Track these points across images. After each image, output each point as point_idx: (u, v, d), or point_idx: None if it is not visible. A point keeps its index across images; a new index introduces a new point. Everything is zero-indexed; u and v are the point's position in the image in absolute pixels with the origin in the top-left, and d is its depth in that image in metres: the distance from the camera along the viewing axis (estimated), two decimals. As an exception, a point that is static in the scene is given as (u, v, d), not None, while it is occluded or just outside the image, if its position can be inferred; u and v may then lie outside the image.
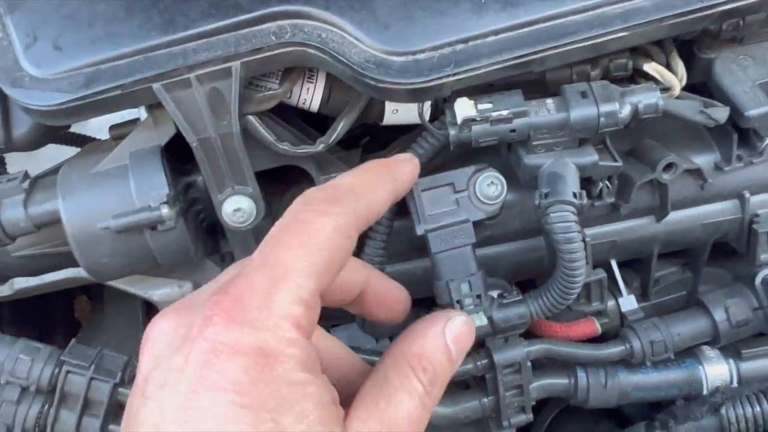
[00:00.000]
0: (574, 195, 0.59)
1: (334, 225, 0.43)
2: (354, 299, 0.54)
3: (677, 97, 0.63)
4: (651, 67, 0.63)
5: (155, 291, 0.89)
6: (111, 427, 0.64)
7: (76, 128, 0.88)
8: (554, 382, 0.71)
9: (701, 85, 0.67)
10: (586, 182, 0.64)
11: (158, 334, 0.42)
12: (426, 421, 0.45)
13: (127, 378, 0.64)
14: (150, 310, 0.97)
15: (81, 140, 0.84)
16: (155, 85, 0.56)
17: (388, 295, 0.57)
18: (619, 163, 0.62)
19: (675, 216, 0.70)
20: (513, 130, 0.59)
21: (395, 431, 0.42)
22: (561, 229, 0.58)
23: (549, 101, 0.60)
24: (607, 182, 0.64)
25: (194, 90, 0.57)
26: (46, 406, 0.63)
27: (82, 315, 1.29)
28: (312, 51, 0.56)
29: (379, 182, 0.50)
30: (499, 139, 0.60)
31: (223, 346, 0.37)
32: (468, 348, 0.51)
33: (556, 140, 0.60)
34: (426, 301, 0.73)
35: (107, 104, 0.57)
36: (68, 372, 0.62)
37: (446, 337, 0.48)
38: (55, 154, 0.85)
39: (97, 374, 0.62)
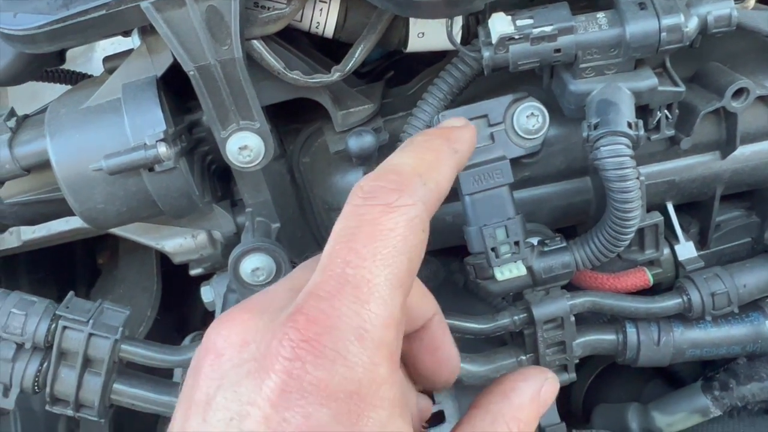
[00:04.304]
0: (629, 125, 0.51)
1: (407, 220, 0.36)
2: (411, 333, 0.45)
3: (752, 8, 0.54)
4: (722, -27, 0.53)
5: (167, 241, 0.84)
6: (115, 386, 0.59)
7: (78, 66, 0.81)
8: (600, 338, 0.64)
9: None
10: (642, 112, 0.55)
11: (223, 345, 0.35)
12: None
13: (128, 333, 0.59)
14: (165, 260, 0.92)
15: (80, 79, 0.77)
16: (144, 4, 0.49)
17: (444, 346, 0.47)
18: (682, 88, 0.54)
19: (743, 151, 0.61)
20: (558, 50, 0.51)
21: None
22: (613, 164, 0.51)
23: (600, 15, 0.51)
24: (666, 111, 0.55)
25: (189, 9, 0.50)
26: (45, 364, 0.58)
27: (104, 264, 1.26)
28: (322, -41, 0.48)
29: (441, 158, 0.42)
30: (542, 61, 0.52)
31: (312, 386, 0.31)
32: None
33: (609, 62, 0.52)
34: (457, 250, 0.66)
35: (91, 27, 0.50)
36: (65, 328, 0.57)
37: (540, 401, 0.43)
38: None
39: (96, 330, 0.57)
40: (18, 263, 1.01)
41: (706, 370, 0.75)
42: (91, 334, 0.57)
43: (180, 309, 1.15)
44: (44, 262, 1.04)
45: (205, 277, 0.90)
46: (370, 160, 0.58)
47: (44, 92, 0.88)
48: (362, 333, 0.33)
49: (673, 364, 0.81)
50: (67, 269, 1.12)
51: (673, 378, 0.83)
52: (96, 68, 0.87)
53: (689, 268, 0.63)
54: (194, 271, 0.89)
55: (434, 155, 0.42)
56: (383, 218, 0.36)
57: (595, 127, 0.51)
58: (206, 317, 1.12)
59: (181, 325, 1.12)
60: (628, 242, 0.54)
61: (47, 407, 0.59)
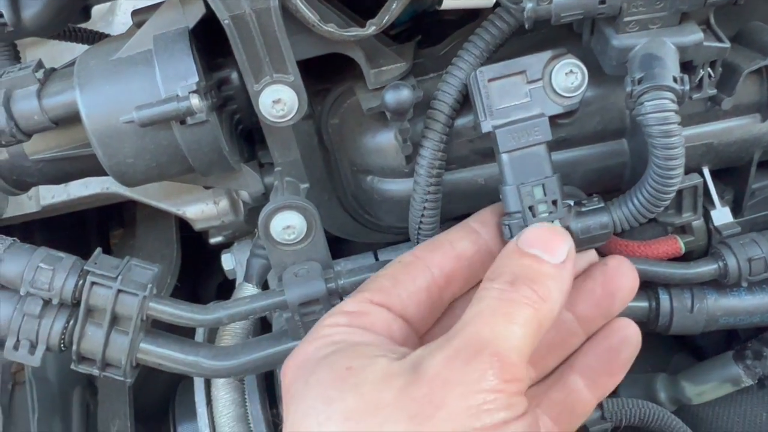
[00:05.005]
0: (674, 80, 0.50)
1: None
2: None
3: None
4: (771, -74, 0.52)
5: (189, 207, 0.83)
6: (142, 345, 0.58)
7: (98, 29, 0.80)
8: (632, 305, 0.63)
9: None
10: (683, 70, 0.54)
11: None
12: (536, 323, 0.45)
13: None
14: (184, 227, 0.91)
15: (101, 39, 0.76)
16: (179, -52, 0.48)
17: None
18: (727, 44, 0.52)
19: (784, 114, 0.60)
20: (603, 2, 0.50)
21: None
22: (657, 120, 0.49)
23: (647, -35, 0.50)
24: (709, 69, 0.54)
25: (225, -45, 0.48)
26: (72, 321, 0.57)
27: (118, 243, 1.24)
28: None
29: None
30: (586, 13, 0.50)
31: None
32: (559, 242, 0.49)
33: (654, 15, 0.51)
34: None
35: (125, -28, 0.49)
36: (93, 283, 0.56)
37: (517, 245, 0.49)
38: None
39: (124, 286, 0.56)
40: (34, 233, 1.00)
41: (733, 344, 0.74)
42: (119, 291, 0.56)
43: (192, 283, 1.14)
44: (58, 239, 1.03)
45: (223, 249, 0.89)
46: (404, 116, 0.56)
47: (63, 56, 0.87)
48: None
49: (698, 338, 0.81)
50: (81, 248, 1.11)
51: (698, 352, 0.82)
52: (116, 31, 0.86)
53: (725, 234, 0.62)
54: (214, 239, 0.88)
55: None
56: None
57: (639, 81, 0.50)
58: (220, 291, 1.11)
59: (193, 299, 1.11)
60: (668, 202, 0.53)
61: (72, 366, 0.58)
